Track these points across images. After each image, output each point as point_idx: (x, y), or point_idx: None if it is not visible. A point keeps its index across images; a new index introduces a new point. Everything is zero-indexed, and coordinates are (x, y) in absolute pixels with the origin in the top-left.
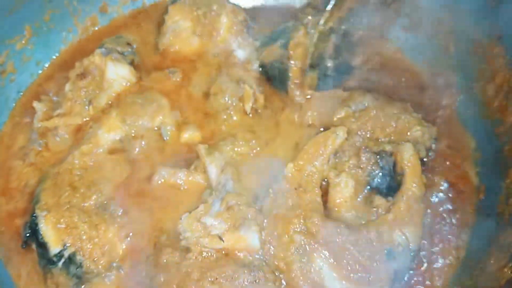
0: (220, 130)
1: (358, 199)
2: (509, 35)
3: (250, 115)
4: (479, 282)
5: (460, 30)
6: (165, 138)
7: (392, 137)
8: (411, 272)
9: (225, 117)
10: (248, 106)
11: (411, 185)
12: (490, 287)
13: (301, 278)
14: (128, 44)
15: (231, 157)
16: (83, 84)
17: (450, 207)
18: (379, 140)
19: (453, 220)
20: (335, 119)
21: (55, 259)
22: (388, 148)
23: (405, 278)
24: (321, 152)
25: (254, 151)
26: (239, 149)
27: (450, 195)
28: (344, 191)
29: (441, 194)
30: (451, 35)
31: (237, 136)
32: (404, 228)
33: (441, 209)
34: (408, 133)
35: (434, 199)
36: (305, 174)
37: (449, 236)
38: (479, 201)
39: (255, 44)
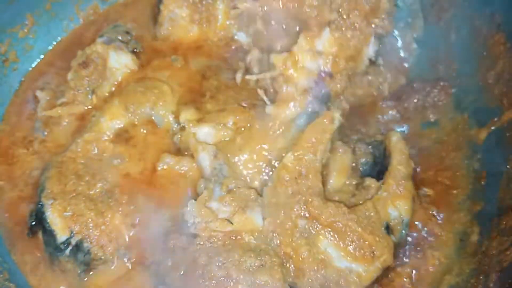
0: (212, 108)
1: (353, 182)
2: (508, 23)
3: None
4: (482, 265)
5: (461, 17)
6: (173, 127)
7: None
8: (415, 252)
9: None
10: (238, 77)
11: (398, 163)
12: (492, 270)
13: (310, 260)
14: (127, 32)
15: (223, 136)
16: (86, 73)
17: (452, 192)
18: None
19: (455, 205)
20: None
21: (62, 246)
22: (379, 137)
23: (407, 255)
24: (319, 139)
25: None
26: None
27: (451, 180)
28: (344, 157)
29: (442, 179)
30: (451, 22)
31: (229, 110)
32: (396, 202)
33: (443, 193)
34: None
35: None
36: (305, 163)
37: (452, 220)
38: (481, 186)
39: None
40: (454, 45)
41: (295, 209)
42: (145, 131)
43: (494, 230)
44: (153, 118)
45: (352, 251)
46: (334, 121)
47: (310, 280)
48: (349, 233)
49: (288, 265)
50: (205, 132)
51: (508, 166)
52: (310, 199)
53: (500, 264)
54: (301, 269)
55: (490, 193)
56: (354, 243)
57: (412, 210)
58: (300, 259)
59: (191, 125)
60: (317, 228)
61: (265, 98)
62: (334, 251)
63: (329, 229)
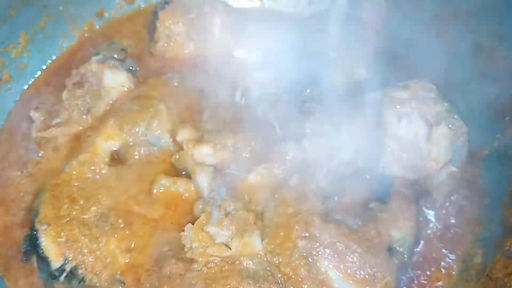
0: (211, 127)
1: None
2: (511, 36)
3: (240, 104)
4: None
5: (462, 31)
6: (170, 147)
7: None
8: (416, 274)
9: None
10: (237, 95)
11: (401, 186)
12: None
13: (309, 281)
14: (123, 50)
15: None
16: (80, 93)
17: (454, 212)
18: None
19: (458, 225)
20: None
21: (56, 273)
22: None
23: (408, 275)
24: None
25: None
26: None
27: (454, 200)
28: (359, 190)
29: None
30: (453, 36)
31: (229, 130)
32: (399, 224)
33: (445, 214)
34: None
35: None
36: (308, 185)
37: (455, 242)
38: (483, 206)
39: (251, 43)
40: (455, 59)
41: (295, 229)
42: (141, 152)
43: (498, 252)
44: (147, 138)
45: (352, 273)
46: None
47: None
48: (349, 254)
49: (287, 286)
50: (204, 152)
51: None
52: (310, 219)
53: (504, 287)
54: None
55: (493, 213)
56: (354, 265)
57: (416, 232)
58: (299, 279)
59: (190, 145)
60: (317, 249)
61: (276, 125)
62: (334, 273)
63: (329, 250)
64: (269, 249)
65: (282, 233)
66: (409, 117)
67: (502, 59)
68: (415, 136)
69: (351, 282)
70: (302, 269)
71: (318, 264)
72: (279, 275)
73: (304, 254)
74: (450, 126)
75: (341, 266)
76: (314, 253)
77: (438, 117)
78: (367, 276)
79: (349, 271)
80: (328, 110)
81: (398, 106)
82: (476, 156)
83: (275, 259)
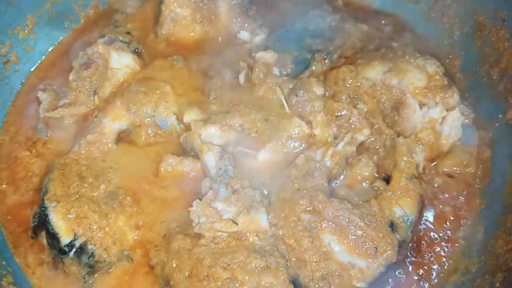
0: (217, 109)
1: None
2: None
3: (245, 85)
4: (488, 265)
5: (464, 14)
6: (173, 132)
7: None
8: (420, 250)
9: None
10: (241, 77)
11: (404, 164)
12: (499, 269)
13: (312, 251)
14: (128, 33)
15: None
16: (87, 74)
17: (457, 190)
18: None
19: (461, 203)
20: None
21: (66, 249)
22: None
23: (413, 253)
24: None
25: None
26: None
27: (457, 178)
28: (363, 169)
29: (447, 177)
30: (455, 18)
31: (235, 112)
32: (401, 201)
33: (448, 191)
34: None
35: (441, 182)
36: (314, 164)
37: (457, 218)
38: (486, 184)
39: (256, 25)
40: (457, 41)
41: (299, 204)
42: (148, 132)
43: (500, 229)
44: (154, 119)
45: (354, 246)
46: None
47: (311, 270)
48: (352, 228)
49: (289, 257)
50: (212, 133)
51: None
52: (315, 194)
53: (506, 263)
54: (302, 260)
55: (495, 191)
56: (357, 238)
57: (418, 210)
58: (302, 249)
59: (197, 126)
60: (321, 222)
61: (284, 103)
62: (337, 245)
63: (332, 224)
64: (273, 222)
65: (287, 208)
66: (429, 104)
67: (504, 40)
68: (430, 120)
69: (354, 254)
70: (306, 241)
71: (322, 237)
72: (283, 247)
73: (308, 227)
74: (461, 112)
75: (344, 239)
76: (318, 226)
77: (452, 105)
78: (369, 249)
79: (351, 244)
80: None
81: (420, 96)
82: (480, 138)
83: (279, 232)
